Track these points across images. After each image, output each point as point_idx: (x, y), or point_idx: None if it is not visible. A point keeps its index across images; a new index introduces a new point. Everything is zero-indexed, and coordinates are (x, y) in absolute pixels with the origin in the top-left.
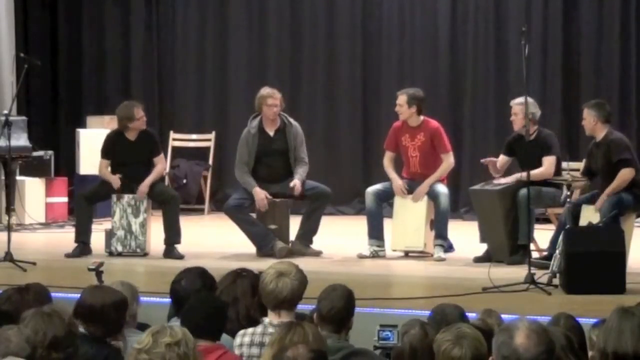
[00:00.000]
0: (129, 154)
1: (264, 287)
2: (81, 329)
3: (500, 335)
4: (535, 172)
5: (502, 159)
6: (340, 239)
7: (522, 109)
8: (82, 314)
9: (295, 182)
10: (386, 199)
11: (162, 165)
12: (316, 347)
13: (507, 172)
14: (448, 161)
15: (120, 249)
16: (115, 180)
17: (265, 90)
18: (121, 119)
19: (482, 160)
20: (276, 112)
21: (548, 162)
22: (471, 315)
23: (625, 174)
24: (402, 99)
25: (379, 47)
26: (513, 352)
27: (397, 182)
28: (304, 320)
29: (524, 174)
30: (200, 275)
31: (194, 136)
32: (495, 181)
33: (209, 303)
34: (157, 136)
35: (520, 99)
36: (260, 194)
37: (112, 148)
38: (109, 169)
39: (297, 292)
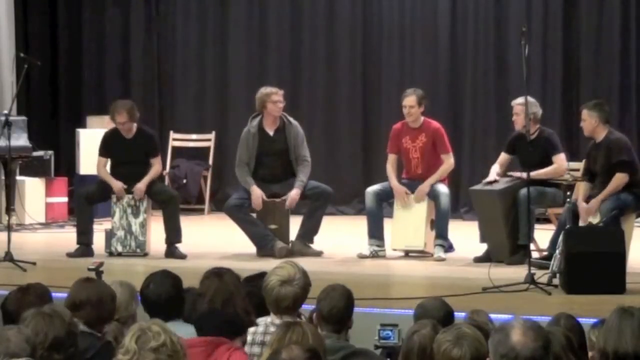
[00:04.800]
0: (126, 153)
1: (267, 293)
2: None
3: (496, 334)
4: (548, 170)
5: (502, 158)
6: (340, 239)
7: (523, 109)
8: (78, 303)
9: (289, 197)
10: (386, 198)
11: (159, 167)
12: (315, 346)
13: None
14: (448, 162)
15: (120, 249)
16: (119, 189)
17: (267, 89)
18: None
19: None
20: (281, 109)
21: (559, 160)
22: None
23: (619, 179)
24: (412, 100)
25: (379, 47)
26: (511, 350)
27: (399, 190)
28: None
29: (529, 173)
30: (166, 276)
31: (194, 136)
32: (500, 179)
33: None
34: (156, 136)
35: (522, 99)
36: (257, 192)
37: (109, 146)
38: (108, 167)
39: (300, 299)
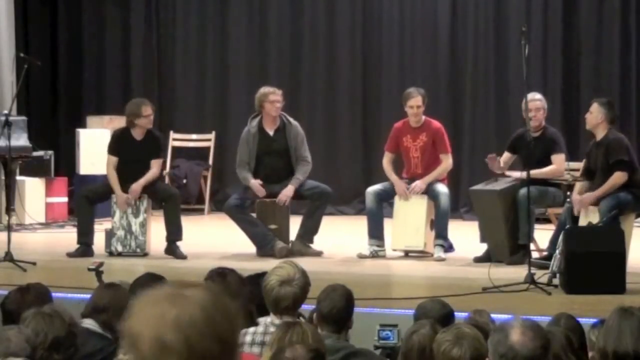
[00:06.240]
0: (133, 153)
1: (267, 293)
2: (89, 325)
3: (496, 334)
4: (546, 170)
5: (505, 156)
6: (340, 239)
7: (541, 104)
8: (100, 308)
9: (281, 193)
10: (386, 198)
11: (157, 170)
12: (315, 346)
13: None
14: (447, 162)
15: (120, 249)
16: (121, 201)
17: (265, 89)
18: (128, 115)
19: (487, 159)
20: (279, 109)
21: (559, 160)
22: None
23: (617, 177)
24: (419, 100)
25: (379, 47)
26: (510, 349)
27: (400, 186)
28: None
29: (528, 172)
30: (150, 279)
31: (194, 136)
32: (500, 179)
33: None
34: (162, 139)
35: (538, 95)
36: (256, 183)
37: (118, 145)
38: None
39: (300, 299)
